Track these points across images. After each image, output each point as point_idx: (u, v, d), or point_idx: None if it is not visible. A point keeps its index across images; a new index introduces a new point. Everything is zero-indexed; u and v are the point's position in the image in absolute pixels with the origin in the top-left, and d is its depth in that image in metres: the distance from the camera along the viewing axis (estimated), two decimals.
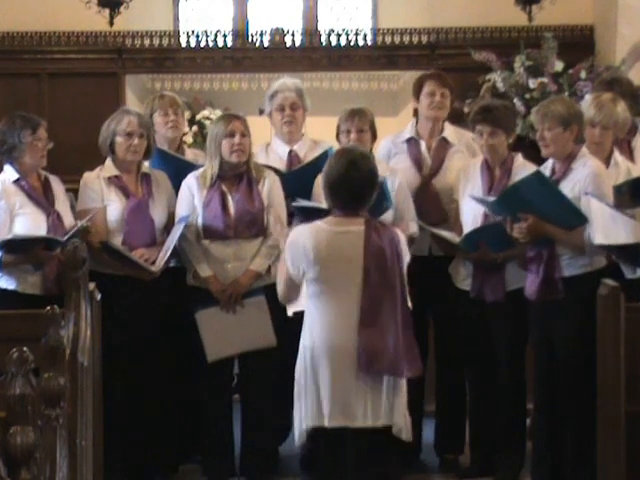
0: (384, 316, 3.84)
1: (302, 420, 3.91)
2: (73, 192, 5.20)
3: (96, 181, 5.04)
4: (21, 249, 4.70)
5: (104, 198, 5.01)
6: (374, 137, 5.12)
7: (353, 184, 3.89)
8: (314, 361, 3.87)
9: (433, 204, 5.18)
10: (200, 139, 7.96)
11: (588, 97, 5.17)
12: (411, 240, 5.03)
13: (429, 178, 5.24)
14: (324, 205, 4.23)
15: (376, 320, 3.83)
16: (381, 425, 3.89)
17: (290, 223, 4.94)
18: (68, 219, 4.89)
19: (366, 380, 3.85)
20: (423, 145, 5.32)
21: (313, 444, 3.95)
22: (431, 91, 5.28)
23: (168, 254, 4.87)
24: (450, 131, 5.36)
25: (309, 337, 3.91)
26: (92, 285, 4.41)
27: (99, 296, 4.50)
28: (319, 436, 3.90)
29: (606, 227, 4.45)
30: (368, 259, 3.85)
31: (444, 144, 5.32)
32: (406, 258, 4.00)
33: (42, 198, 4.87)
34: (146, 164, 5.23)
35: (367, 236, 3.87)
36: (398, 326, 3.87)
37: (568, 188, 4.62)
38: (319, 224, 3.99)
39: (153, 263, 4.90)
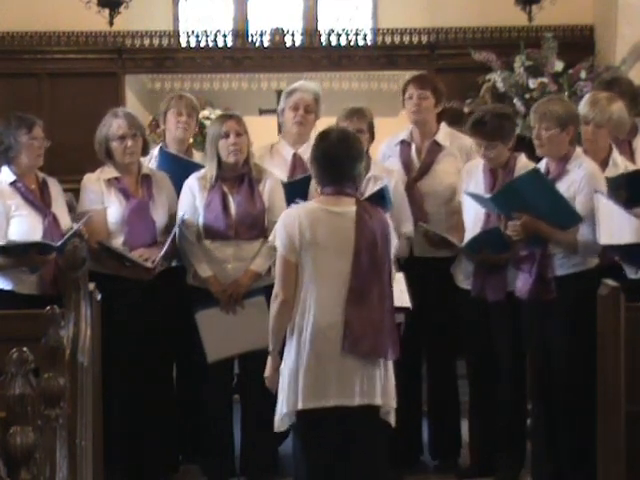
0: (371, 298, 3.84)
1: (292, 402, 3.85)
2: (73, 192, 5.20)
3: (96, 183, 5.05)
4: (15, 254, 4.70)
5: (104, 200, 5.01)
6: (372, 138, 5.13)
7: (334, 158, 3.90)
8: (306, 341, 3.84)
9: (415, 207, 5.16)
10: (200, 139, 7.95)
11: (585, 96, 5.18)
12: (407, 240, 5.05)
13: (414, 181, 5.24)
14: None
15: (363, 301, 3.83)
16: (377, 404, 3.86)
17: None
18: (65, 221, 4.88)
19: (358, 359, 3.84)
20: (413, 148, 5.33)
21: (304, 426, 3.89)
22: (410, 95, 5.31)
23: (163, 251, 4.87)
24: (443, 133, 5.35)
25: (301, 317, 3.87)
26: (92, 285, 4.41)
27: (99, 296, 4.50)
28: (310, 418, 3.85)
29: (611, 226, 4.45)
30: (359, 240, 3.85)
31: (435, 147, 5.31)
32: (394, 242, 4.02)
33: (38, 200, 4.86)
34: (150, 164, 5.23)
35: (359, 217, 3.87)
36: (384, 308, 3.88)
37: (563, 189, 4.62)
38: (312, 204, 4.01)
39: (152, 262, 4.90)
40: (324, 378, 3.82)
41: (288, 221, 3.91)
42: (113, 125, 5.01)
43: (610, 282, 4.36)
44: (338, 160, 3.91)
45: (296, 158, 5.31)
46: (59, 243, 4.63)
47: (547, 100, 4.86)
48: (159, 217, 5.03)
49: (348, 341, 3.81)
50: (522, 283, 4.68)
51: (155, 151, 5.45)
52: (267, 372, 3.99)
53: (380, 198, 4.71)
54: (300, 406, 3.84)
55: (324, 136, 4.01)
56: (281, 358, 3.93)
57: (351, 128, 4.96)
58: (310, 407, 3.83)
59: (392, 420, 3.93)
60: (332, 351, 3.83)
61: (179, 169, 5.19)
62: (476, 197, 4.81)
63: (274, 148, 5.42)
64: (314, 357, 3.83)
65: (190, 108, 5.46)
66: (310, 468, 3.91)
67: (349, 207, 3.90)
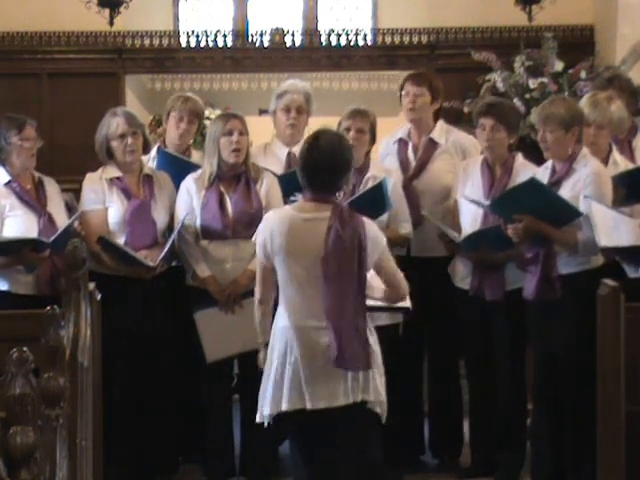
0: (346, 310, 3.78)
1: (273, 403, 3.83)
2: (73, 192, 5.20)
3: (98, 182, 5.04)
4: (9, 251, 4.69)
5: (106, 200, 5.01)
6: (373, 140, 5.12)
7: (315, 166, 3.82)
8: (282, 344, 3.83)
9: (412, 206, 5.14)
10: (200, 139, 7.96)
11: (585, 96, 5.17)
12: (405, 241, 5.05)
13: (410, 180, 5.23)
14: None
15: (339, 314, 3.76)
16: (359, 400, 3.81)
17: None
18: (61, 221, 4.87)
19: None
20: (410, 146, 5.32)
21: (287, 427, 3.90)
22: (406, 92, 5.31)
23: (165, 251, 4.87)
24: (438, 130, 5.34)
25: (278, 320, 3.87)
26: (92, 285, 4.41)
27: (99, 296, 4.50)
28: (293, 419, 3.83)
29: (608, 229, 4.44)
30: (327, 249, 3.77)
31: (431, 145, 5.30)
32: (374, 247, 3.84)
33: (34, 200, 4.85)
34: (149, 165, 5.23)
35: (329, 225, 3.80)
36: (357, 319, 3.80)
37: (569, 187, 4.62)
38: (288, 209, 3.96)
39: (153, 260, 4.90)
40: (306, 381, 3.78)
41: (263, 226, 3.90)
42: (112, 124, 5.00)
43: (610, 282, 4.35)
44: (321, 172, 3.82)
45: (291, 157, 5.31)
46: (52, 239, 4.63)
47: (550, 102, 4.82)
48: (160, 218, 5.03)
49: (332, 357, 3.76)
50: (528, 284, 4.67)
51: (154, 151, 5.45)
52: (261, 364, 3.99)
53: (377, 194, 4.70)
54: (284, 407, 3.80)
55: (313, 143, 3.88)
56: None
57: (353, 127, 4.97)
58: (294, 409, 3.80)
59: (380, 410, 3.86)
60: (314, 355, 3.79)
61: (177, 169, 5.18)
62: (475, 202, 4.81)
63: (268, 148, 5.42)
64: (293, 361, 3.80)
65: (192, 115, 5.42)
66: (305, 469, 3.91)
67: (323, 213, 3.82)
